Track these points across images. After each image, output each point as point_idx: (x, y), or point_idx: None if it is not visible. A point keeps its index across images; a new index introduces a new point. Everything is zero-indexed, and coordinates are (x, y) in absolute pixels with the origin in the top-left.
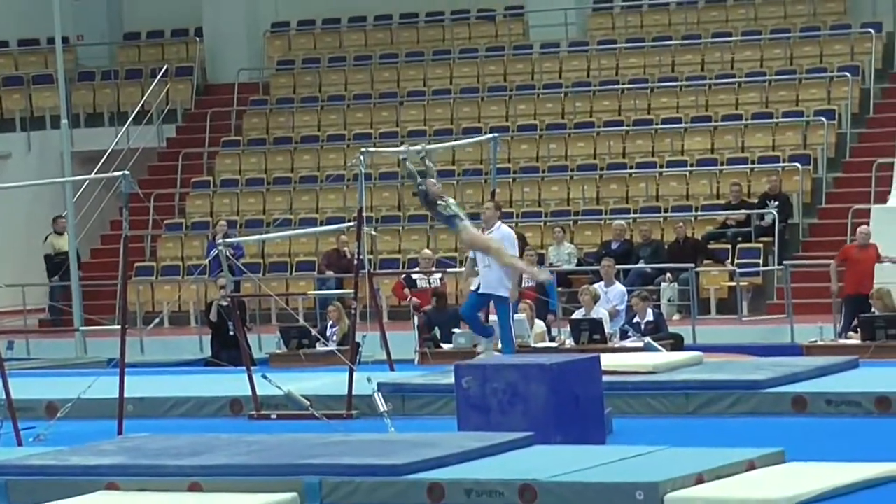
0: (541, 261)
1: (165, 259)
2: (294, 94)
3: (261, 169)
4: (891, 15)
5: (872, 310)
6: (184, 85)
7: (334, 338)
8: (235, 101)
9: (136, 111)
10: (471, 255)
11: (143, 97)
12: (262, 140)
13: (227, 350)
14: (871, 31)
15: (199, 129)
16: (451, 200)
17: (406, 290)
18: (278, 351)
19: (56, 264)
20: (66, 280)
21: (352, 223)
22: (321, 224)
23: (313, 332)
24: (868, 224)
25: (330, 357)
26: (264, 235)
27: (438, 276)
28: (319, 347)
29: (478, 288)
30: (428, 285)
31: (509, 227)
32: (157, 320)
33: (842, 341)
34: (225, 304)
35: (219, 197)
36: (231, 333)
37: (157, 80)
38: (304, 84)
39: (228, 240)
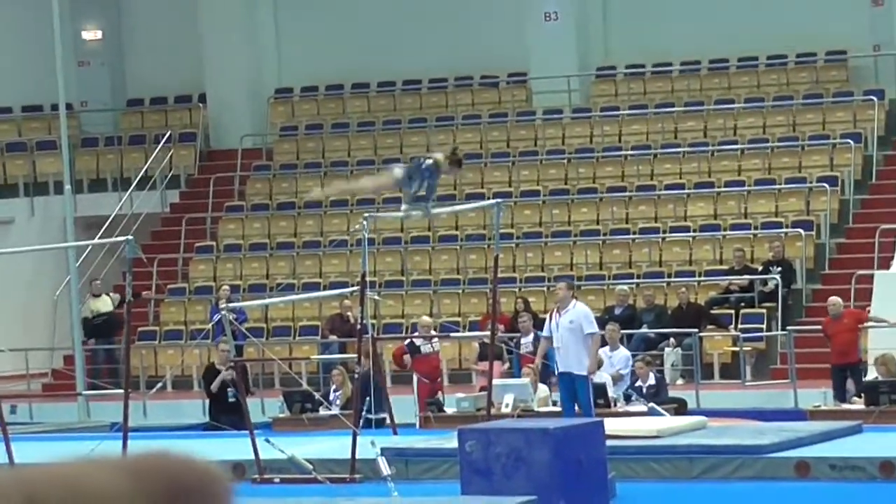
0: (539, 326)
1: (168, 323)
2: (297, 159)
3: (264, 234)
4: (893, 82)
5: (874, 376)
6: (187, 150)
7: (337, 402)
8: (239, 167)
9: (139, 177)
10: (545, 333)
11: (146, 163)
12: (265, 205)
13: (228, 415)
14: (874, 98)
15: (202, 195)
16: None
17: (407, 357)
18: (281, 415)
19: (95, 326)
20: (107, 342)
21: (355, 288)
22: (324, 289)
23: (316, 395)
24: (871, 290)
25: (333, 421)
26: (267, 300)
27: (437, 342)
28: (323, 412)
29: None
30: (431, 351)
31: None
32: (159, 384)
33: (845, 406)
34: (227, 373)
35: (222, 262)
36: (231, 400)
37: (160, 146)
38: (307, 150)
39: (231, 304)
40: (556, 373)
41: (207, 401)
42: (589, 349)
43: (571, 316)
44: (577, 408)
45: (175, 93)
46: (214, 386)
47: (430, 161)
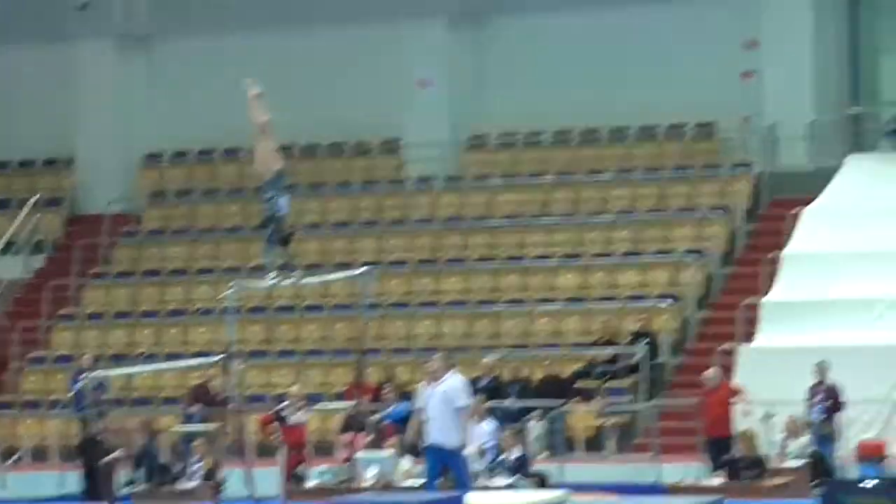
0: (408, 396)
1: (29, 393)
2: (165, 225)
3: (129, 302)
4: (761, 155)
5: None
6: (53, 215)
7: (199, 474)
8: (106, 233)
9: (3, 241)
10: (418, 405)
11: (10, 228)
12: (131, 272)
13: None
14: (741, 171)
15: (67, 261)
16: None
17: (275, 425)
18: (141, 487)
19: None
20: None
21: (219, 357)
22: (189, 358)
23: (172, 470)
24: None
25: (193, 494)
26: (130, 369)
27: (303, 413)
28: (182, 484)
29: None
30: (298, 422)
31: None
32: (16, 456)
33: (705, 482)
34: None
35: (86, 330)
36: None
37: (26, 210)
38: (175, 216)
39: (93, 374)
40: (424, 445)
41: (73, 472)
42: (461, 422)
43: (446, 387)
44: (441, 481)
45: (43, 156)
46: (104, 461)
47: (279, 214)
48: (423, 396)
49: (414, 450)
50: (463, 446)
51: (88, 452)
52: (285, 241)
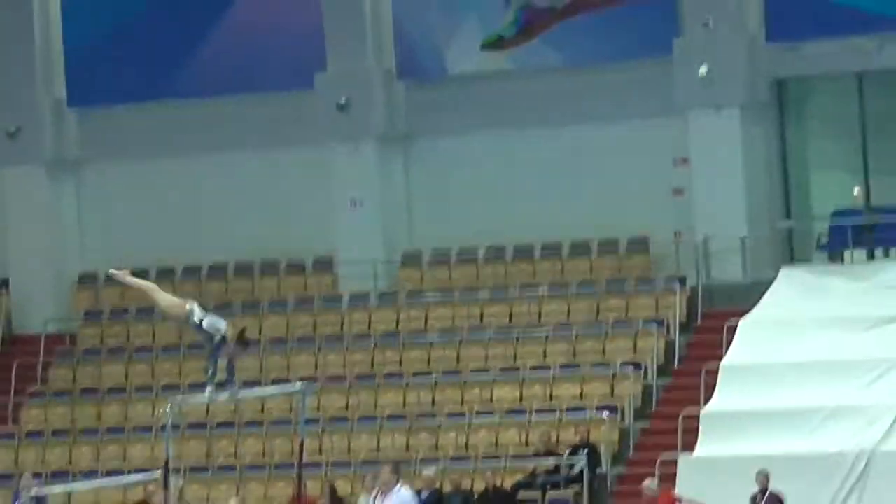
0: None
1: None
2: (101, 344)
3: (67, 420)
4: (693, 269)
5: None
6: None
7: None
8: (42, 352)
9: None
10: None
11: None
12: (68, 391)
13: None
14: (676, 284)
15: (4, 380)
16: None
17: None
18: None
19: None
20: None
21: (158, 472)
22: (128, 474)
23: None
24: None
25: None
26: (70, 485)
27: None
28: None
29: None
30: None
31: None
32: None
33: None
34: None
35: (24, 448)
36: None
37: None
38: (111, 334)
39: (33, 492)
40: None
41: None
42: None
43: (396, 500)
44: None
45: None
46: None
47: (219, 336)
48: None
49: None
50: None
51: None
52: (244, 343)
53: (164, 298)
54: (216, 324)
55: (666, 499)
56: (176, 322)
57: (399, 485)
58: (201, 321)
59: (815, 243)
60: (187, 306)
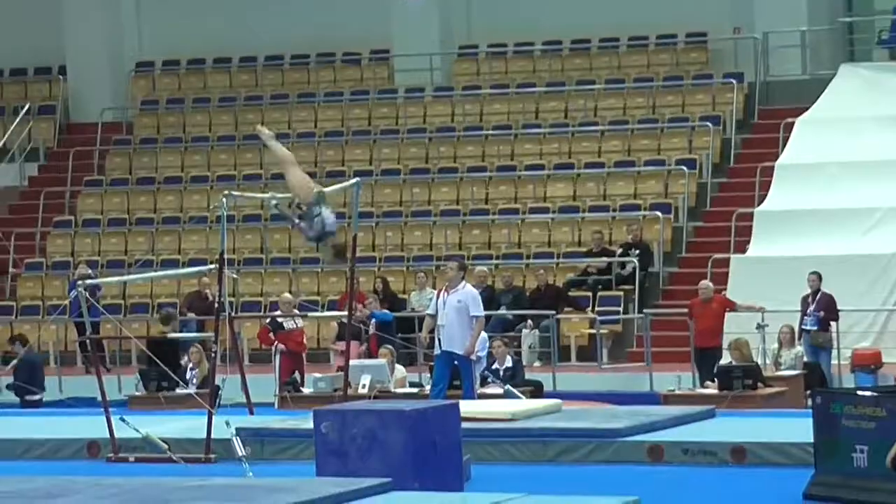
0: (403, 305)
1: (25, 299)
2: (158, 134)
3: (123, 209)
4: (751, 66)
5: (728, 361)
6: (46, 123)
7: (194, 381)
8: (98, 141)
9: None
10: (430, 311)
11: (4, 135)
12: (125, 180)
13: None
14: (733, 81)
15: (61, 169)
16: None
17: (271, 335)
18: (137, 393)
19: None
20: None
21: (213, 265)
22: (183, 266)
23: (172, 375)
24: (728, 273)
25: (190, 400)
26: (125, 277)
27: (301, 320)
28: (179, 390)
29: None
30: (294, 327)
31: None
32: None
33: (699, 391)
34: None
35: (80, 237)
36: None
37: (19, 118)
38: (167, 124)
39: (88, 281)
40: (437, 350)
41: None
42: (472, 331)
43: (460, 296)
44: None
45: (34, 64)
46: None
47: (329, 233)
48: (436, 303)
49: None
50: (467, 355)
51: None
52: (340, 254)
53: (296, 175)
54: (329, 222)
55: (721, 302)
56: (298, 197)
57: (464, 282)
58: (320, 213)
59: (875, 39)
60: (315, 189)
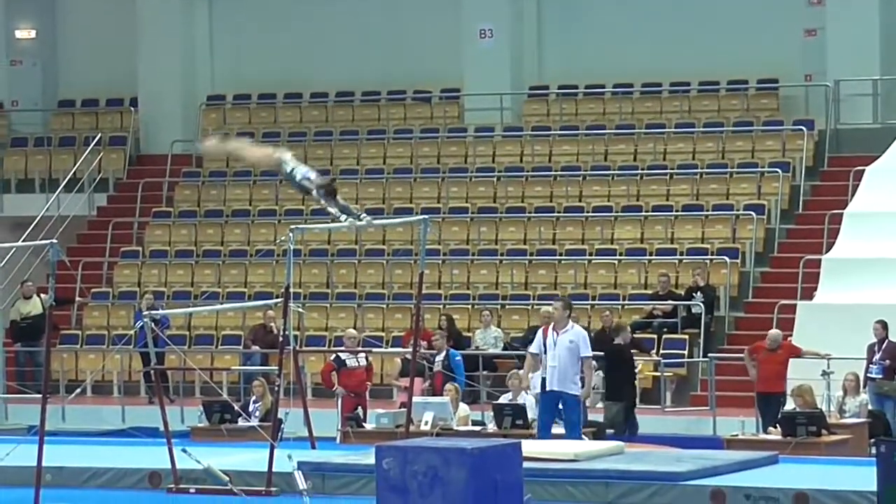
0: (467, 343)
1: (91, 328)
2: (227, 167)
3: (191, 241)
4: (822, 113)
5: (792, 407)
6: (117, 154)
7: (257, 413)
8: (168, 173)
9: (67, 178)
10: (533, 350)
11: (75, 165)
12: (193, 212)
13: None
14: (803, 128)
15: (130, 199)
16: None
17: (333, 374)
18: (200, 425)
19: (21, 329)
20: (34, 345)
21: (279, 299)
22: (249, 298)
23: (236, 406)
24: (793, 320)
25: (252, 433)
26: (191, 308)
27: (363, 356)
28: (242, 423)
29: (543, 387)
30: (357, 365)
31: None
32: (79, 389)
33: (762, 436)
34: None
35: (147, 267)
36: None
37: (90, 149)
38: (237, 157)
39: (154, 311)
40: (542, 391)
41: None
42: (579, 371)
43: (571, 336)
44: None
45: (107, 95)
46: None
47: (306, 180)
48: (541, 342)
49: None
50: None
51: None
52: (332, 192)
53: (254, 153)
54: (302, 172)
55: (787, 348)
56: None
57: (570, 321)
58: (293, 170)
59: None
60: (275, 154)
